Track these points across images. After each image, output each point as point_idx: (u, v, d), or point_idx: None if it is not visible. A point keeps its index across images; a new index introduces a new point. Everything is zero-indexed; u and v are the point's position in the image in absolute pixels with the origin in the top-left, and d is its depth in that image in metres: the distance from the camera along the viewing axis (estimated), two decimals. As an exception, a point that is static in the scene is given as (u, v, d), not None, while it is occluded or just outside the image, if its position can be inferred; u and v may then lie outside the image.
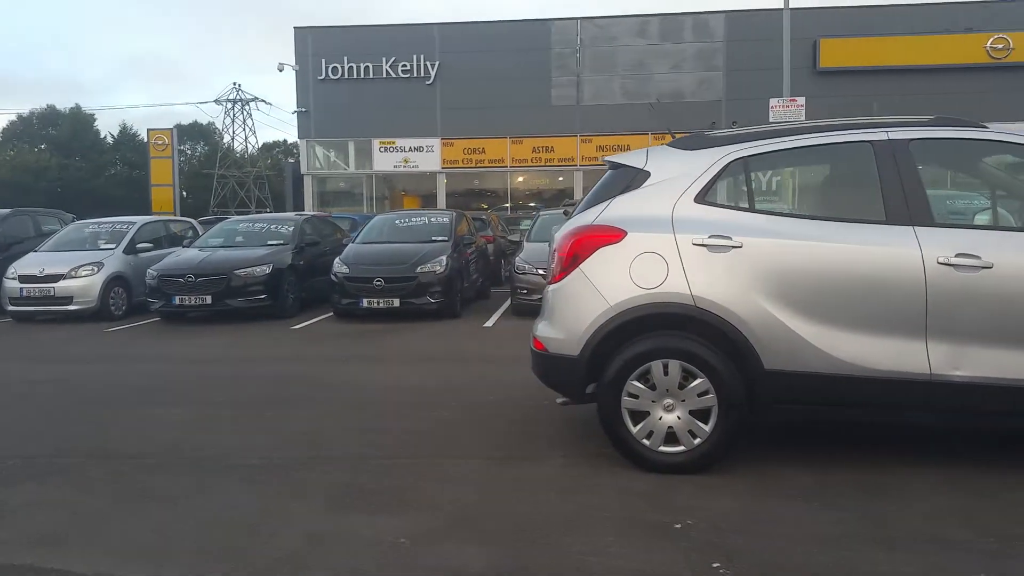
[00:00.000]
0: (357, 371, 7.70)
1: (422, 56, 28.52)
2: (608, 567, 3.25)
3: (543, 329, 4.69)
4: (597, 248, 4.41)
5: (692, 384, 4.23)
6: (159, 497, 4.22)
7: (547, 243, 11.71)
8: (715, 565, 3.22)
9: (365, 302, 10.95)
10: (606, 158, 5.08)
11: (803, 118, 16.92)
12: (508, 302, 12.91)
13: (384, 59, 28.83)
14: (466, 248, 12.31)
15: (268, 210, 57.14)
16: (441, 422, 5.60)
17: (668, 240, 4.29)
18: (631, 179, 4.57)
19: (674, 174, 4.47)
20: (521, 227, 21.58)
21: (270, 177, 63.72)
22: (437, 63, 28.46)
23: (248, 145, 66.32)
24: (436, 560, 3.35)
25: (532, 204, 29.60)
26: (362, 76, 29.11)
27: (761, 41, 26.55)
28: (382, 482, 4.35)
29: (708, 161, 4.42)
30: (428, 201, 29.54)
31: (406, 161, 29.33)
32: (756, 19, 27.13)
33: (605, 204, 4.55)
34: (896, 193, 4.13)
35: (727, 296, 4.16)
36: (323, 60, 29.22)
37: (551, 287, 4.66)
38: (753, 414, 4.27)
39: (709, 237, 4.23)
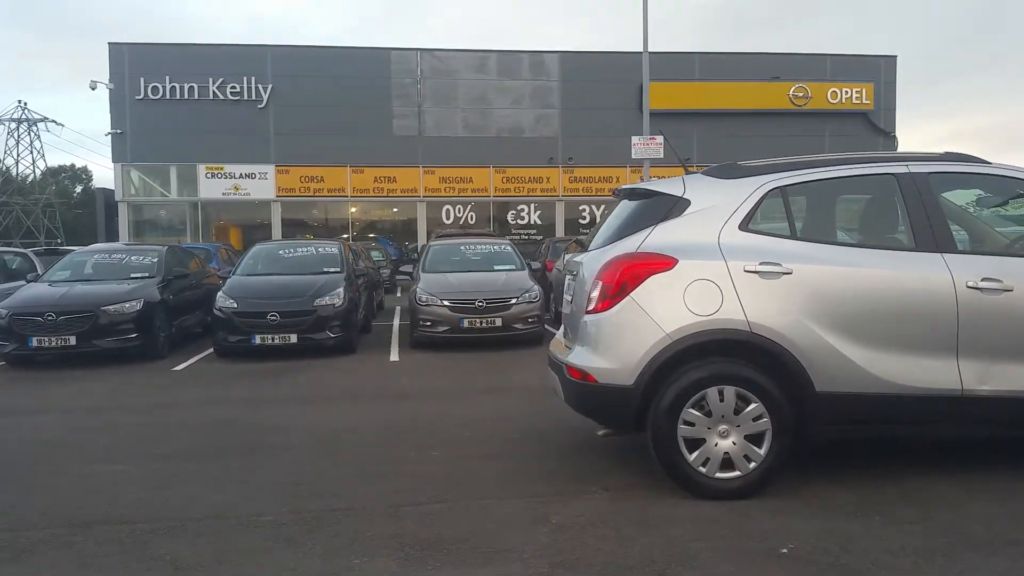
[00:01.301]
0: (292, 413, 7.11)
1: (253, 79, 27.31)
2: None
3: (586, 359, 4.56)
4: (649, 276, 4.38)
5: (747, 409, 4.29)
6: (189, 567, 3.64)
7: (443, 273, 11.55)
8: (858, 587, 3.25)
9: (258, 339, 10.17)
10: (624, 187, 5.09)
11: (662, 155, 17.93)
12: (395, 334, 12.58)
13: (211, 80, 27.32)
14: (357, 279, 11.82)
15: (59, 242, 51.91)
16: (441, 462, 5.30)
17: (720, 267, 4.34)
18: (670, 207, 4.60)
19: (715, 202, 4.54)
20: (374, 258, 21.09)
21: (59, 205, 58.05)
22: (270, 86, 27.36)
23: (35, 170, 60.03)
24: (579, 609, 3.13)
25: (372, 235, 29.06)
26: (186, 97, 27.40)
27: (593, 82, 27.97)
28: (439, 531, 4.03)
29: (748, 190, 4.54)
30: (259, 232, 28.07)
31: (236, 188, 27.84)
32: (588, 61, 28.53)
33: (647, 232, 4.53)
34: (922, 222, 4.44)
35: (780, 321, 4.27)
36: (142, 79, 27.22)
37: (592, 317, 4.55)
38: (806, 436, 4.39)
39: (760, 264, 4.33)
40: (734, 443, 4.32)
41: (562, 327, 5.73)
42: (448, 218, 28.03)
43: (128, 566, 3.69)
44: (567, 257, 5.62)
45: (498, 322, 10.66)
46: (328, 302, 10.47)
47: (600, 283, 4.52)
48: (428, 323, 10.81)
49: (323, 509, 4.39)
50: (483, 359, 10.03)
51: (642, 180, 18.81)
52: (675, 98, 28.45)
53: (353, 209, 29.50)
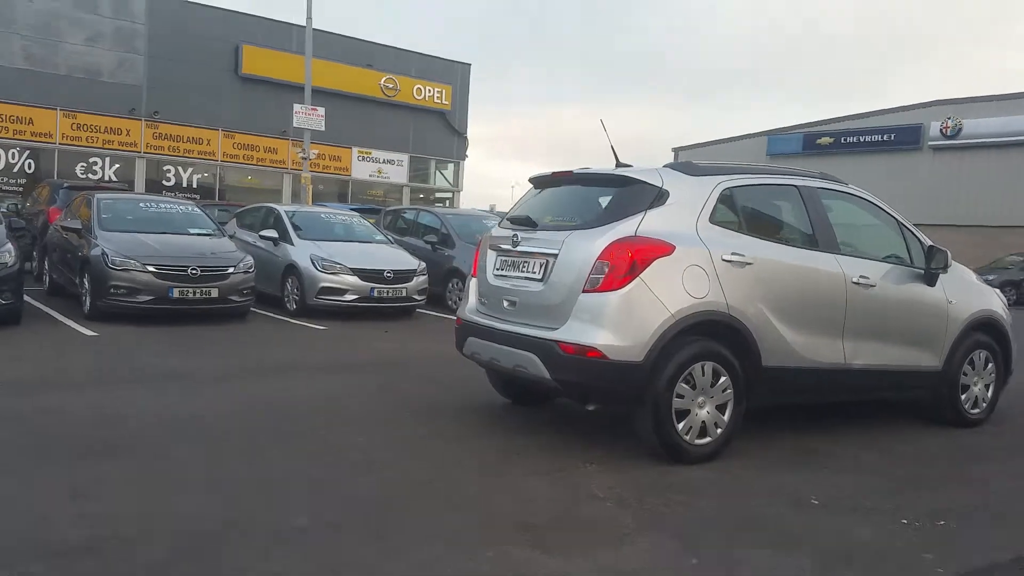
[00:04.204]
0: (82, 400, 5.58)
1: None
2: (840, 540, 3.74)
3: (588, 336, 4.62)
4: (655, 259, 4.66)
5: (720, 382, 4.86)
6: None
7: (132, 233, 9.72)
8: (904, 521, 4.02)
9: None
10: (585, 170, 5.24)
11: (323, 128, 17.29)
12: (42, 303, 10.28)
13: None
14: (17, 235, 9.32)
15: None
16: (381, 450, 4.83)
17: (705, 255, 4.82)
18: (654, 196, 4.92)
19: (687, 196, 5.00)
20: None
21: None
22: None
23: None
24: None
25: None
26: None
27: (184, 35, 25.53)
28: (515, 515, 3.81)
29: (709, 187, 5.09)
30: None
31: None
32: (179, 10, 25.82)
33: (639, 217, 4.79)
34: (819, 227, 5.47)
35: (747, 306, 4.92)
36: None
37: (595, 296, 4.64)
38: (751, 404, 5.09)
39: (732, 254, 4.92)
40: (708, 412, 4.84)
41: (474, 299, 5.60)
42: (-3, 163, 22.94)
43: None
44: (494, 232, 5.55)
45: (214, 293, 9.46)
46: (-2, 261, 8.16)
47: (608, 263, 4.63)
48: (123, 291, 9.08)
49: (340, 511, 3.76)
50: (202, 335, 8.84)
51: (302, 150, 17.95)
52: (271, 67, 27.41)
53: None
